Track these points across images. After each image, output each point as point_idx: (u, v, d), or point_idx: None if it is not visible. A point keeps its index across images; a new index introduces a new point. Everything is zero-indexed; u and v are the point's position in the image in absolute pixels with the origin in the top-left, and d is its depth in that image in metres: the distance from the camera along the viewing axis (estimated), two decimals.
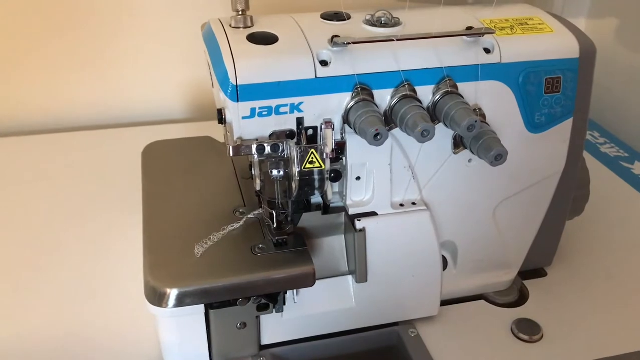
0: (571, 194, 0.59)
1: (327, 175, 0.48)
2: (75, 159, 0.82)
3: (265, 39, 0.48)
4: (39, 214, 0.71)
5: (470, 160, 0.53)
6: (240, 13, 0.50)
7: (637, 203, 0.76)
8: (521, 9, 0.56)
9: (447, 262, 0.58)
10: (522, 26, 0.53)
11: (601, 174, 0.81)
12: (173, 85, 0.93)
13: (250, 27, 0.50)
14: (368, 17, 0.52)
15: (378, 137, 0.45)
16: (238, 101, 0.46)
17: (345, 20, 0.51)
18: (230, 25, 0.50)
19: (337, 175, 0.50)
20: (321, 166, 0.47)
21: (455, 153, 0.52)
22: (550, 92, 0.52)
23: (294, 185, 0.47)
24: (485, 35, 0.50)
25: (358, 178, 0.51)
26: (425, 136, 0.46)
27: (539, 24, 0.53)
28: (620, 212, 0.74)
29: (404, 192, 0.53)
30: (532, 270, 0.63)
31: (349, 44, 0.46)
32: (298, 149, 0.46)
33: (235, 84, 0.46)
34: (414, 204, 0.53)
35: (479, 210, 0.56)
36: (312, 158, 0.46)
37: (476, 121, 0.46)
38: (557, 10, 0.93)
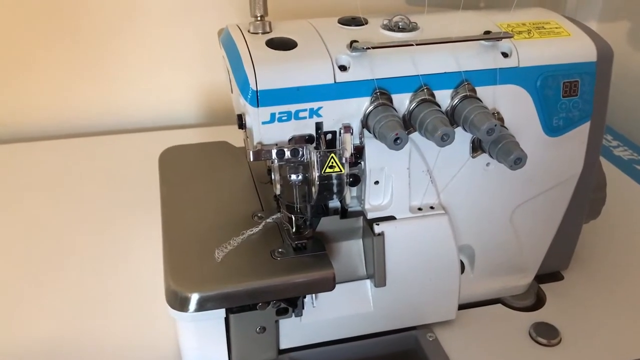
0: (588, 197, 0.59)
1: (346, 180, 0.48)
2: (90, 165, 0.82)
3: (284, 45, 0.49)
4: (57, 220, 0.72)
5: (488, 164, 0.53)
6: (259, 19, 0.50)
7: None
8: (537, 12, 0.57)
9: (464, 266, 0.58)
10: (539, 30, 0.53)
11: (615, 177, 0.81)
12: (186, 89, 0.93)
13: (268, 32, 0.50)
14: (385, 22, 0.52)
15: (398, 141, 0.45)
16: (258, 106, 0.46)
17: (362, 25, 0.52)
18: (248, 31, 0.50)
19: (356, 180, 0.51)
20: (341, 170, 0.47)
21: (473, 157, 0.52)
22: (568, 95, 0.52)
23: (313, 190, 0.47)
24: (503, 40, 0.50)
25: (376, 182, 0.51)
26: (445, 140, 0.46)
27: (556, 28, 0.53)
28: (636, 215, 0.74)
29: (422, 196, 0.53)
30: (549, 274, 0.63)
31: (368, 48, 0.46)
32: (317, 153, 0.46)
33: (255, 89, 0.46)
34: (432, 207, 0.53)
35: (496, 214, 0.56)
36: (332, 162, 0.46)
37: (495, 125, 0.46)
38: (570, 12, 0.93)
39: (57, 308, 0.59)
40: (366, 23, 0.52)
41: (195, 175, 0.59)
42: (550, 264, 0.61)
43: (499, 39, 0.49)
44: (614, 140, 0.90)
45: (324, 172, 0.46)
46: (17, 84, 0.88)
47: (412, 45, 0.47)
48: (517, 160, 0.48)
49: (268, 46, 0.49)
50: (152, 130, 0.92)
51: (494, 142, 0.49)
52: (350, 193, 0.52)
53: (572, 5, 0.93)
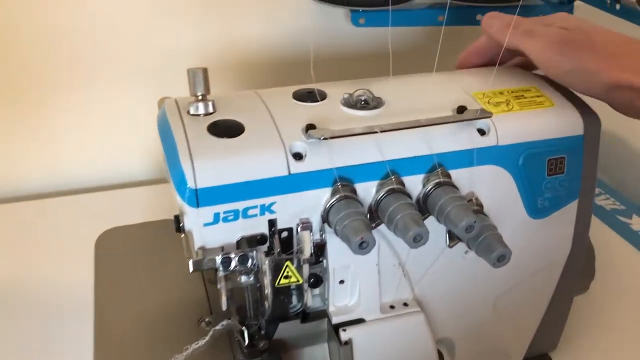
0: (577, 278, 0.53)
1: (305, 287, 0.42)
2: (24, 231, 0.73)
3: (229, 130, 0.42)
4: None
5: (466, 252, 0.47)
6: (200, 98, 0.43)
7: (638, 264, 0.70)
8: (516, 75, 0.51)
9: (442, 356, 0.52)
10: (518, 100, 0.47)
11: (599, 231, 0.75)
12: (138, 145, 0.85)
13: (211, 113, 0.44)
14: (346, 96, 0.45)
15: (364, 245, 0.39)
16: (198, 206, 0.40)
17: (319, 101, 0.45)
18: (188, 112, 0.44)
19: (318, 280, 0.44)
20: (298, 280, 0.40)
21: (450, 246, 0.46)
22: (554, 173, 0.46)
23: (266, 304, 0.40)
24: None
25: (341, 282, 0.44)
26: (417, 241, 0.40)
27: (537, 97, 0.48)
28: (625, 279, 0.68)
29: (394, 291, 0.46)
30: (536, 357, 0.57)
31: (325, 139, 0.40)
32: (270, 260, 0.39)
33: (194, 187, 0.39)
34: (405, 304, 0.47)
35: (477, 304, 0.49)
36: (288, 272, 0.40)
37: (475, 221, 0.40)
38: None
39: None
40: (324, 98, 0.46)
41: (135, 268, 0.52)
42: (538, 347, 0.55)
43: (476, 119, 0.43)
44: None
45: (279, 284, 0.40)
46: None
47: (376, 132, 0.40)
48: (501, 258, 0.42)
49: (210, 132, 0.42)
50: (103, 190, 0.84)
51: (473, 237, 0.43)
52: (311, 293, 0.45)
53: None
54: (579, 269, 0.52)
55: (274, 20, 0.81)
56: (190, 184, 0.39)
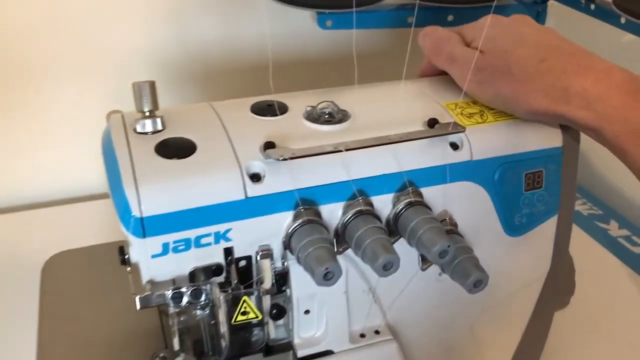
0: (557, 295, 0.50)
1: (267, 319, 0.38)
2: None
3: (179, 149, 0.38)
4: None
5: (440, 274, 0.44)
6: (147, 114, 0.39)
7: (619, 274, 0.68)
8: None
9: None
10: (493, 110, 0.44)
11: (576, 239, 0.72)
12: (90, 155, 0.81)
13: (160, 131, 0.40)
14: (309, 109, 0.42)
15: (329, 276, 0.35)
16: (145, 236, 0.36)
17: (278, 115, 0.42)
18: (134, 130, 0.40)
19: (281, 311, 0.40)
20: (257, 316, 0.36)
21: (423, 269, 0.43)
22: (531, 188, 0.43)
23: (223, 343, 0.36)
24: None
25: (307, 312, 0.41)
26: (387, 269, 0.36)
27: None
28: (605, 289, 0.66)
29: (365, 319, 0.43)
30: None
31: (285, 159, 0.36)
32: (224, 297, 0.36)
33: (139, 215, 0.35)
34: (377, 332, 0.43)
35: (453, 327, 0.46)
36: (245, 307, 0.36)
37: (449, 246, 0.37)
38: None
39: None
40: (284, 111, 0.42)
41: (84, 294, 0.48)
42: None
43: (448, 133, 0.40)
44: None
45: (235, 321, 0.36)
46: None
47: (341, 151, 0.37)
48: (477, 284, 0.39)
49: (158, 153, 0.38)
50: (58, 204, 0.79)
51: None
52: (274, 324, 0.41)
53: None
54: (559, 285, 0.49)
55: (234, 24, 0.77)
56: (135, 212, 0.35)
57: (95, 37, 0.73)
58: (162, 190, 0.36)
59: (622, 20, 0.62)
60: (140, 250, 0.36)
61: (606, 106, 0.38)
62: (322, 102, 0.42)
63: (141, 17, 0.74)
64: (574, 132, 0.44)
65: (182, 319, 0.38)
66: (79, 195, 0.80)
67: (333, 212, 0.39)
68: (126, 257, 0.37)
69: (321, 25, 0.71)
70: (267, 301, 0.39)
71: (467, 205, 0.42)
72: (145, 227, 0.35)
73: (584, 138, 0.45)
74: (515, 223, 0.44)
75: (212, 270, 0.38)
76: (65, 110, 0.76)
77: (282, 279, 0.40)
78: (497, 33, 0.43)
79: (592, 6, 0.66)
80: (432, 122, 0.41)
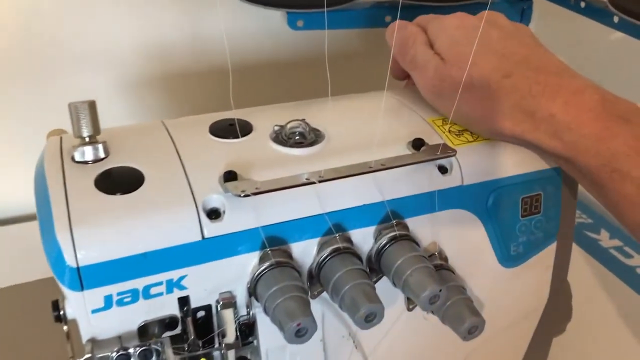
0: (554, 326, 0.46)
1: None
2: None
3: (123, 182, 0.32)
4: None
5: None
6: (87, 140, 0.34)
7: (611, 288, 0.64)
8: None
9: None
10: None
11: None
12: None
13: (102, 159, 0.34)
14: (277, 129, 0.37)
15: (301, 332, 0.30)
16: (83, 289, 0.30)
17: (243, 136, 0.36)
18: (72, 159, 0.34)
19: None
20: None
21: (409, 309, 0.38)
22: (529, 214, 0.39)
23: None
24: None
25: None
26: (369, 321, 0.31)
27: None
28: (596, 305, 0.62)
29: None
30: None
31: (247, 195, 0.31)
32: (179, 358, 0.30)
33: (75, 265, 0.30)
34: None
35: None
36: None
37: (440, 290, 0.32)
38: None
39: None
40: (249, 132, 0.37)
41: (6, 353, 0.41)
42: None
43: (437, 158, 0.35)
44: None
45: None
46: None
47: (314, 183, 0.32)
48: (472, 330, 0.34)
49: (98, 187, 0.32)
50: None
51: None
52: None
53: None
54: (556, 316, 0.45)
55: (197, 23, 0.71)
56: (70, 261, 0.29)
57: (44, 37, 0.66)
58: (102, 233, 0.30)
59: (615, 19, 0.58)
60: (78, 305, 0.30)
61: (577, 135, 0.34)
62: (291, 120, 0.37)
63: (96, 11, 0.67)
64: None
65: None
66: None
67: (305, 251, 0.34)
68: (61, 312, 0.31)
69: (292, 25, 0.65)
70: (231, 357, 0.33)
71: (458, 235, 0.37)
72: (82, 278, 0.30)
73: None
74: (511, 253, 0.39)
75: (165, 324, 0.32)
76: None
77: (248, 329, 0.34)
78: (461, 37, 0.38)
79: (583, 4, 0.61)
80: (418, 144, 0.35)
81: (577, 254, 0.69)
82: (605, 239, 0.71)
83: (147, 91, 0.72)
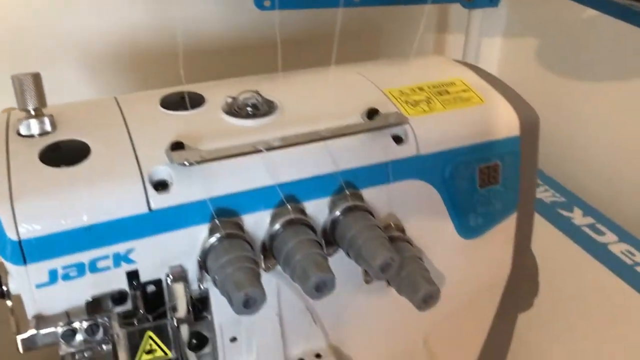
0: (519, 299, 0.46)
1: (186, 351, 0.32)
2: None
3: (68, 155, 0.32)
4: None
5: (388, 284, 0.38)
6: (33, 113, 0.33)
7: (584, 265, 0.64)
8: (437, 64, 0.43)
9: None
10: (441, 96, 0.39)
11: (538, 228, 0.69)
12: None
13: (48, 132, 0.33)
14: (229, 101, 0.36)
15: (249, 303, 0.30)
16: (25, 263, 0.29)
17: (196, 107, 0.36)
18: (17, 132, 0.33)
19: (202, 341, 0.35)
20: (166, 354, 0.31)
21: (367, 282, 0.37)
22: (487, 184, 0.38)
23: None
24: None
25: (233, 339, 0.35)
26: (320, 290, 0.31)
27: (464, 91, 0.39)
28: (569, 282, 0.62)
29: (304, 341, 0.38)
30: None
31: (192, 164, 0.30)
32: (125, 333, 0.30)
33: (16, 238, 0.29)
34: (318, 356, 0.38)
35: (404, 342, 0.41)
36: (150, 344, 0.30)
37: (392, 258, 0.32)
38: (474, 31, 0.81)
39: None
40: (201, 103, 0.36)
41: None
42: None
43: (389, 126, 0.34)
44: None
45: None
46: None
47: (261, 151, 0.31)
48: (427, 299, 0.34)
49: (43, 160, 0.31)
50: None
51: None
52: (197, 355, 0.36)
53: (476, 24, 0.81)
54: (520, 289, 0.45)
55: (162, 3, 0.70)
56: (11, 234, 0.29)
57: (5, 20, 0.65)
58: (44, 206, 0.29)
59: None
60: (22, 279, 0.30)
61: None
62: (244, 92, 0.36)
63: None
64: (532, 118, 0.39)
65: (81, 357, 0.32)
66: None
67: (258, 223, 0.33)
68: (4, 289, 0.30)
69: (258, 5, 0.64)
70: (184, 332, 0.33)
71: (414, 206, 0.37)
72: (25, 252, 0.29)
73: (543, 120, 0.40)
74: (470, 224, 0.39)
75: (115, 299, 0.32)
76: None
77: (200, 303, 0.34)
78: None
79: None
80: (372, 113, 0.35)
81: (550, 231, 0.69)
82: (578, 216, 0.71)
83: (114, 75, 0.71)
